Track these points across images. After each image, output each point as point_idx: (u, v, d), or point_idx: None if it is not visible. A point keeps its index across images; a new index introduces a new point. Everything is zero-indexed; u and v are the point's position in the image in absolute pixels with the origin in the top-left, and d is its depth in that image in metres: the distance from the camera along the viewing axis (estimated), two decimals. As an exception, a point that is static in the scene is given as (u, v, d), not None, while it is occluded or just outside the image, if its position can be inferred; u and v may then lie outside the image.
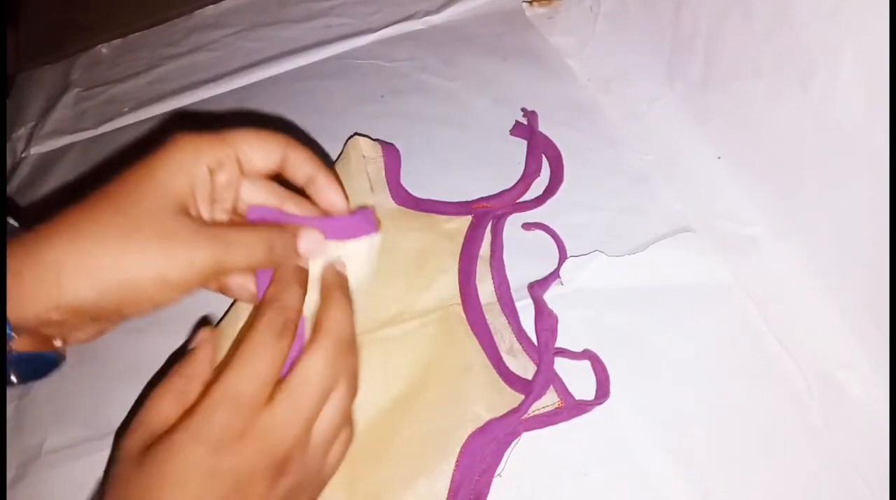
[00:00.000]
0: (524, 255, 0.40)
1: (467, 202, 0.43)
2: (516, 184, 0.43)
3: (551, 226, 0.41)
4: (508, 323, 0.37)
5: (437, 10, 0.57)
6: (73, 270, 0.19)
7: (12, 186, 0.52)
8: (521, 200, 0.43)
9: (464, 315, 0.38)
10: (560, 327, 0.37)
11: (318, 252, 0.26)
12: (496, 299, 0.38)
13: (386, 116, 0.49)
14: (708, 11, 0.41)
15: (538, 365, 0.35)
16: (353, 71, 0.54)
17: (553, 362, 0.35)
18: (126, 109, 0.53)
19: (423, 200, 0.43)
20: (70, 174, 0.50)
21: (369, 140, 0.44)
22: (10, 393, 0.40)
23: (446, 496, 0.32)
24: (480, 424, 0.33)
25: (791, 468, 0.32)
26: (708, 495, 0.32)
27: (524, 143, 0.46)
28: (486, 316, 0.37)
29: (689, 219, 0.41)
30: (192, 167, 0.23)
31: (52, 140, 0.54)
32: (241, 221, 0.26)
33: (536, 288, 0.38)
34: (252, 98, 0.52)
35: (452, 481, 0.32)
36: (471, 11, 0.57)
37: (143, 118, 0.55)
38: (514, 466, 0.33)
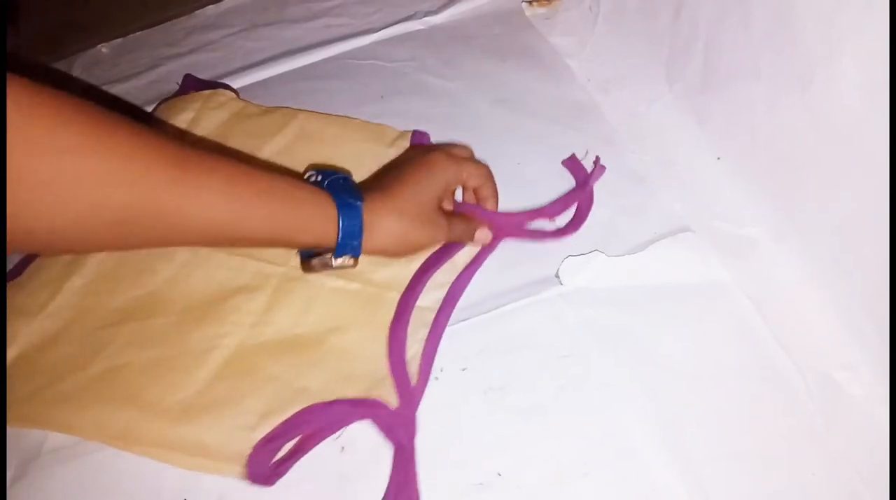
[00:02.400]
0: (522, 253, 0.41)
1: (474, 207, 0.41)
2: (531, 211, 0.42)
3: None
4: (426, 338, 0.37)
5: (437, 11, 0.57)
6: (380, 231, 0.35)
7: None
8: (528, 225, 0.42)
9: (395, 308, 0.38)
10: (559, 327, 0.37)
11: (486, 241, 0.40)
12: (437, 308, 0.38)
13: (386, 116, 0.49)
14: (707, 13, 0.41)
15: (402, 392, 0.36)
16: (353, 71, 0.54)
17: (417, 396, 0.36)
18: (126, 109, 0.53)
19: None
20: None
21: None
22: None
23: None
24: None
25: (790, 467, 0.32)
26: (707, 494, 0.32)
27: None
28: (412, 320, 0.38)
29: (687, 219, 0.41)
30: (453, 181, 0.39)
31: (53, 140, 0.54)
32: (451, 212, 0.40)
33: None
34: (252, 98, 0.52)
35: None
36: (471, 12, 0.57)
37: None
38: (515, 465, 0.33)
